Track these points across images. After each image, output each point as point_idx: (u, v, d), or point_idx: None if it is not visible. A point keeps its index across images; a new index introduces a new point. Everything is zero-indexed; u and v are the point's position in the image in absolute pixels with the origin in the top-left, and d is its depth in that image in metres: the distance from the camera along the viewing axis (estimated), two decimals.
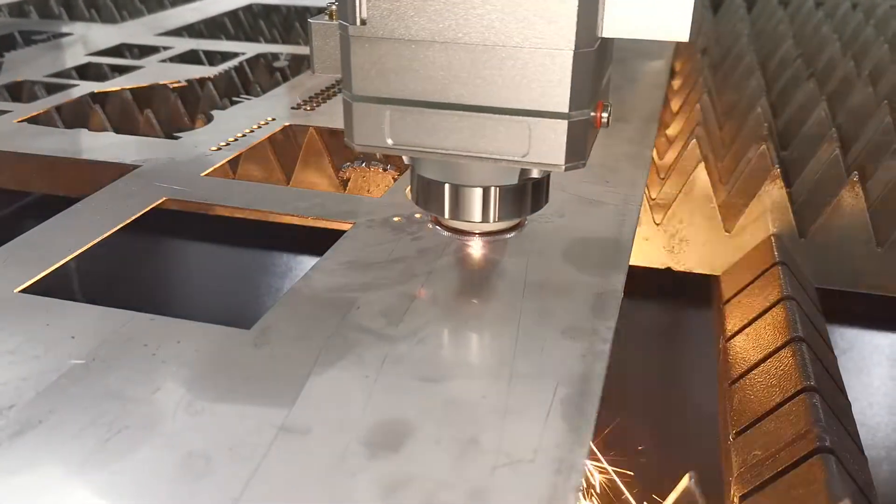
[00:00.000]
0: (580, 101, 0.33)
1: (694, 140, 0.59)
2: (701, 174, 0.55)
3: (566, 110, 0.33)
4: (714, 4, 1.18)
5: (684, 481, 0.27)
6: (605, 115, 0.35)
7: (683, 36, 0.33)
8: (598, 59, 0.34)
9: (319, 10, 0.40)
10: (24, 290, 0.39)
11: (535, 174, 0.38)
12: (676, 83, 0.85)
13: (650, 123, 0.62)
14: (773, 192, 0.55)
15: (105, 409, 0.30)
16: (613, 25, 0.33)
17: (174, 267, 0.60)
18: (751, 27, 1.04)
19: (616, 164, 0.55)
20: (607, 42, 0.36)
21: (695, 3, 0.32)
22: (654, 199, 0.60)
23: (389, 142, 0.36)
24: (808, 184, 0.59)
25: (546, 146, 0.34)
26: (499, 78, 0.33)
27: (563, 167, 0.34)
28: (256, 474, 0.27)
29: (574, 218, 0.46)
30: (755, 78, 0.78)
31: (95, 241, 0.44)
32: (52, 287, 0.40)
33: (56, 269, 0.41)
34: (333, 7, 0.38)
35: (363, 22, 0.34)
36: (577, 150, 0.35)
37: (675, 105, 0.79)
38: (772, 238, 0.54)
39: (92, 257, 0.43)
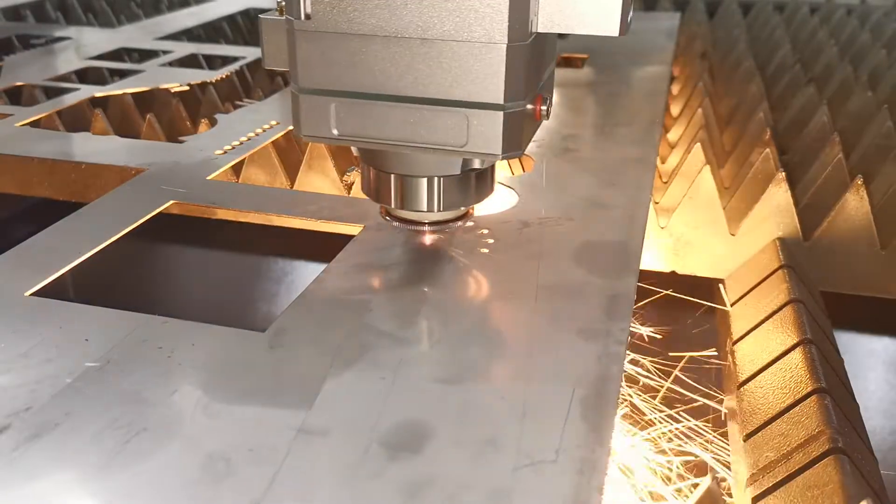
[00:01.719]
0: (516, 93, 0.35)
1: (698, 144, 0.60)
2: (706, 178, 0.56)
3: (501, 101, 0.34)
4: (710, 10, 1.19)
5: (706, 482, 0.27)
6: (543, 108, 0.37)
7: (614, 30, 0.34)
8: (533, 53, 0.35)
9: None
10: (34, 294, 0.39)
11: (476, 164, 0.39)
12: (676, 88, 0.86)
13: (653, 127, 0.62)
14: (778, 196, 0.55)
15: (122, 412, 0.30)
16: (546, 20, 0.35)
17: (183, 270, 0.60)
18: (747, 32, 1.04)
19: (621, 167, 0.55)
20: (546, 38, 0.38)
21: None
22: (657, 203, 0.60)
23: (335, 132, 0.37)
24: (811, 188, 0.59)
25: (484, 136, 0.35)
26: (437, 71, 0.35)
27: (500, 156, 0.36)
28: (278, 476, 0.27)
29: (583, 221, 0.46)
30: (755, 82, 0.79)
31: (105, 245, 0.44)
32: (62, 290, 0.40)
33: (66, 272, 0.41)
34: (283, 3, 0.39)
35: (307, 16, 0.35)
36: (514, 140, 0.36)
37: (675, 110, 0.79)
38: (777, 241, 0.55)
39: (101, 261, 0.43)
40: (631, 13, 0.36)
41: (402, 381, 0.32)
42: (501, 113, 0.35)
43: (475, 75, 0.34)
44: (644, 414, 0.47)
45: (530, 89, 0.36)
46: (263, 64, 0.40)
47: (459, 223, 0.42)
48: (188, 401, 0.31)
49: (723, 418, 0.48)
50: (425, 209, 0.40)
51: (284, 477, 0.27)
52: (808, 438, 0.37)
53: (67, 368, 0.32)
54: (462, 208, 0.42)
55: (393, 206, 0.41)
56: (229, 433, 0.29)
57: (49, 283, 0.39)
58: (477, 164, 0.39)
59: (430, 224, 0.42)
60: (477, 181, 0.40)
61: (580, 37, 0.96)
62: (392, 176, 0.39)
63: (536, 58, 0.36)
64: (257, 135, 0.61)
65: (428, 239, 0.43)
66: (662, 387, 0.47)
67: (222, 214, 0.49)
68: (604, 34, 0.34)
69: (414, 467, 0.28)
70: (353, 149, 0.39)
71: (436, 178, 0.39)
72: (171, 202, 0.48)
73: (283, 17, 0.38)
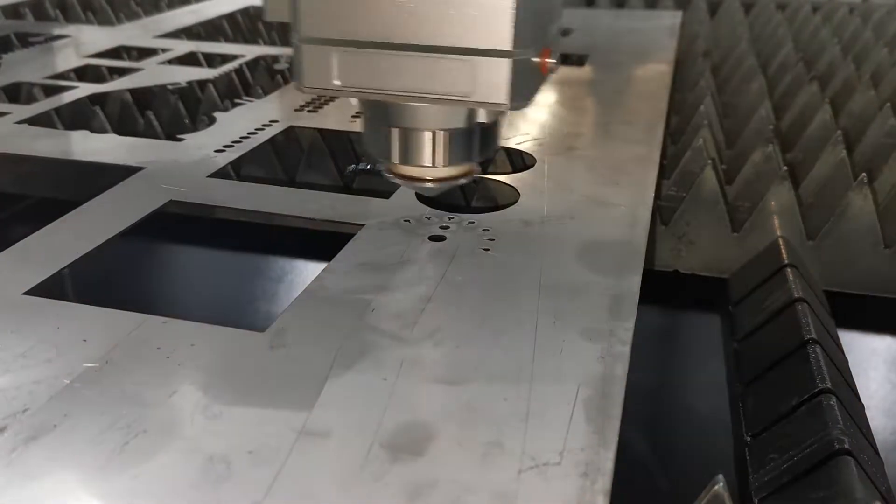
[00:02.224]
0: (523, 40, 0.34)
1: (701, 141, 0.59)
2: (709, 176, 0.55)
3: (509, 48, 0.33)
4: (711, 8, 1.19)
5: (713, 484, 0.26)
6: (551, 60, 0.36)
7: None
8: (540, 2, 0.35)
9: None
10: (30, 293, 0.38)
11: (481, 117, 0.38)
12: (679, 86, 0.85)
13: (656, 125, 0.62)
14: (782, 195, 0.54)
15: (121, 413, 0.30)
16: None
17: (181, 269, 0.59)
18: (749, 30, 1.04)
19: (624, 165, 0.54)
20: None
21: None
22: (659, 201, 0.60)
23: (337, 83, 0.36)
24: (814, 186, 0.59)
25: (490, 85, 0.34)
26: (443, 17, 0.34)
27: (507, 106, 0.35)
28: (279, 478, 0.27)
29: (585, 220, 0.46)
30: (757, 80, 0.78)
31: (101, 243, 0.43)
32: (57, 289, 0.39)
33: (62, 270, 0.41)
34: None
35: None
36: (521, 91, 0.35)
37: (678, 107, 0.79)
38: (780, 240, 0.54)
39: (100, 260, 0.43)
40: None
41: (404, 382, 0.32)
42: (509, 60, 0.34)
43: (482, 21, 0.33)
44: None
45: (537, 40, 0.35)
46: (265, 17, 0.39)
47: (463, 180, 0.40)
48: (188, 402, 0.30)
49: None
50: (429, 164, 0.38)
51: (285, 479, 0.27)
52: (813, 440, 0.37)
53: (66, 369, 0.32)
54: (466, 165, 0.40)
55: (394, 161, 0.39)
56: (229, 435, 0.29)
57: (46, 283, 0.39)
58: (482, 118, 0.38)
59: (434, 181, 0.40)
60: (482, 137, 0.39)
61: (581, 35, 0.96)
62: (394, 130, 0.38)
63: (543, 9, 0.36)
64: (256, 132, 0.60)
65: (435, 240, 0.42)
66: None
67: (221, 213, 0.49)
68: None
69: (416, 469, 0.27)
70: (354, 101, 0.38)
71: (440, 132, 0.38)
72: (170, 200, 0.48)
73: None
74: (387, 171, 0.40)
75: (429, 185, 0.39)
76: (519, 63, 0.34)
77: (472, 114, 0.37)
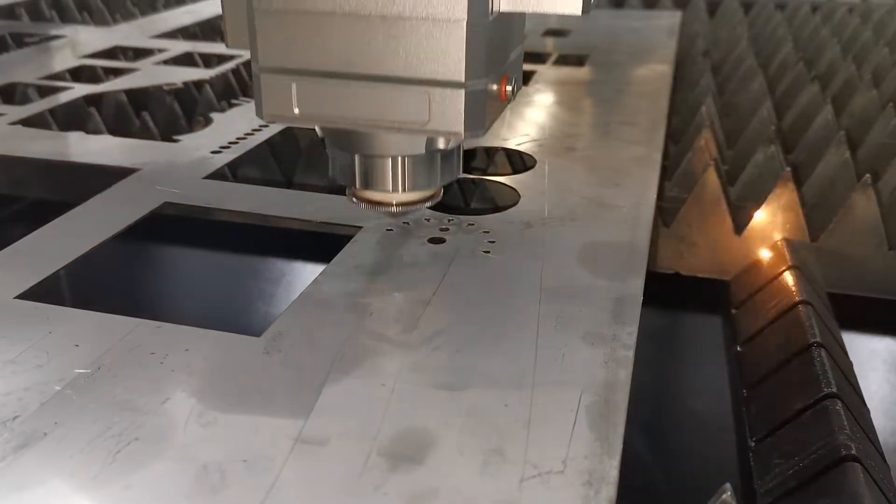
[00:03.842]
0: (477, 71, 0.34)
1: (702, 142, 0.59)
2: (711, 176, 0.55)
3: (462, 79, 0.34)
4: (710, 8, 1.18)
5: (721, 493, 0.26)
6: (509, 88, 0.36)
7: (576, 9, 0.34)
8: (496, 32, 0.35)
9: None
10: (20, 297, 0.37)
11: (441, 144, 0.38)
12: (679, 86, 0.85)
13: (657, 126, 0.61)
14: (785, 195, 0.54)
15: (113, 421, 0.29)
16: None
17: (176, 272, 0.59)
18: (749, 30, 1.04)
19: (625, 167, 0.54)
20: (511, 18, 0.37)
21: None
22: (660, 202, 0.59)
23: (297, 112, 0.36)
24: (817, 187, 0.58)
25: (445, 114, 0.35)
26: (398, 48, 0.34)
27: (463, 135, 0.35)
28: (274, 488, 0.26)
29: (587, 221, 0.45)
30: (757, 80, 0.78)
31: (94, 246, 0.42)
32: (49, 293, 0.39)
33: (54, 274, 0.40)
34: None
35: None
36: (477, 120, 0.35)
37: (679, 108, 0.78)
38: (783, 242, 0.54)
39: (91, 262, 0.42)
40: None
41: (403, 388, 0.31)
42: (463, 91, 0.34)
43: (436, 52, 0.33)
44: None
45: (494, 68, 0.35)
46: (226, 44, 0.39)
47: (428, 204, 0.40)
48: (182, 409, 0.30)
49: None
50: (390, 189, 0.39)
51: (282, 489, 0.26)
52: (819, 445, 0.36)
53: (57, 375, 0.31)
54: (429, 190, 0.40)
55: (358, 186, 0.39)
56: (224, 443, 0.28)
57: (38, 286, 0.38)
58: (442, 145, 0.38)
59: (398, 205, 0.40)
60: (443, 162, 0.39)
61: (581, 35, 0.95)
62: (356, 156, 0.39)
63: (501, 37, 0.36)
64: (253, 133, 0.60)
65: (434, 243, 0.41)
66: None
67: (218, 215, 0.48)
68: (567, 13, 0.34)
69: (416, 478, 0.27)
70: (317, 129, 0.38)
71: (400, 158, 0.38)
72: (165, 202, 0.47)
73: None
74: (350, 196, 0.40)
75: (392, 209, 0.40)
76: (474, 93, 0.34)
77: (432, 141, 0.38)
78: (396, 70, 0.34)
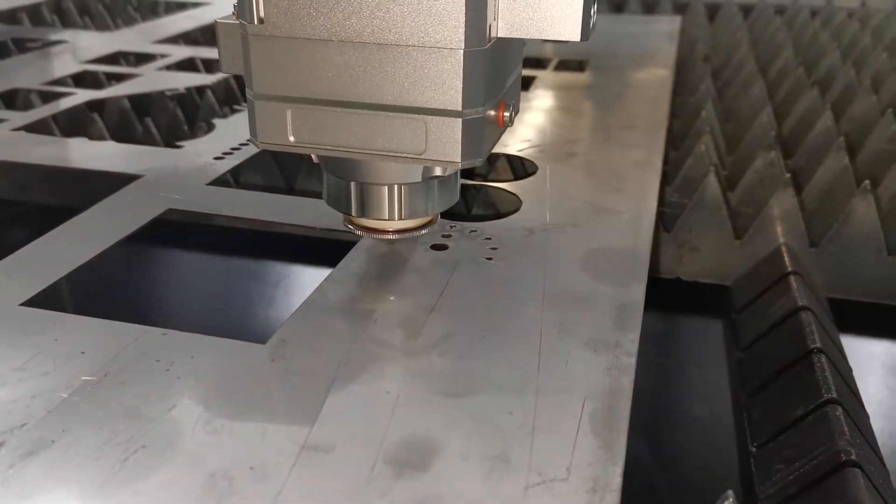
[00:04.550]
0: (475, 100, 0.34)
1: (703, 147, 0.59)
2: (711, 182, 0.55)
3: (459, 108, 0.34)
4: (710, 12, 1.18)
5: (724, 499, 0.26)
6: (507, 114, 0.36)
7: (575, 35, 0.33)
8: (493, 59, 0.35)
9: None
10: (26, 304, 0.38)
11: (437, 171, 0.38)
12: (679, 90, 0.85)
13: (658, 131, 0.61)
14: (785, 201, 0.54)
15: (120, 428, 0.29)
16: (507, 26, 0.34)
17: (180, 279, 0.59)
18: (748, 35, 1.04)
19: (626, 171, 0.54)
20: (509, 44, 0.37)
21: (584, 3, 0.33)
22: (661, 207, 0.59)
23: (292, 139, 0.36)
24: (817, 192, 0.59)
25: (442, 143, 0.35)
26: (395, 76, 0.34)
27: (460, 164, 0.35)
28: (281, 495, 0.26)
29: (588, 227, 0.46)
30: (757, 86, 0.78)
31: (99, 253, 0.43)
32: (54, 300, 0.39)
33: (59, 281, 0.40)
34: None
35: (261, 20, 0.34)
36: (474, 148, 0.35)
37: (678, 112, 0.78)
38: (783, 247, 0.54)
39: (95, 269, 0.42)
40: (594, 17, 0.35)
41: (407, 395, 0.31)
42: (460, 120, 0.34)
43: (432, 81, 0.33)
44: None
45: (491, 95, 0.35)
46: (220, 69, 0.39)
47: (424, 231, 0.40)
48: (188, 416, 0.30)
49: None
50: (387, 217, 0.39)
51: (288, 496, 0.26)
52: (820, 450, 0.37)
53: (63, 382, 0.31)
54: (426, 216, 0.40)
55: (354, 214, 0.39)
56: (231, 450, 0.28)
57: (43, 293, 0.38)
58: (438, 172, 0.38)
59: (395, 232, 0.40)
60: (440, 188, 0.39)
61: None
62: (352, 184, 0.38)
63: (498, 64, 0.36)
64: None
65: (437, 250, 0.42)
66: None
67: (221, 221, 0.48)
68: (565, 39, 0.34)
69: (422, 485, 0.27)
70: (314, 156, 0.38)
71: (396, 186, 0.38)
72: (169, 209, 0.48)
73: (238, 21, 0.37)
74: (346, 223, 0.40)
75: (389, 236, 0.39)
76: (472, 122, 0.34)
77: (429, 168, 0.37)
78: (392, 98, 0.34)
